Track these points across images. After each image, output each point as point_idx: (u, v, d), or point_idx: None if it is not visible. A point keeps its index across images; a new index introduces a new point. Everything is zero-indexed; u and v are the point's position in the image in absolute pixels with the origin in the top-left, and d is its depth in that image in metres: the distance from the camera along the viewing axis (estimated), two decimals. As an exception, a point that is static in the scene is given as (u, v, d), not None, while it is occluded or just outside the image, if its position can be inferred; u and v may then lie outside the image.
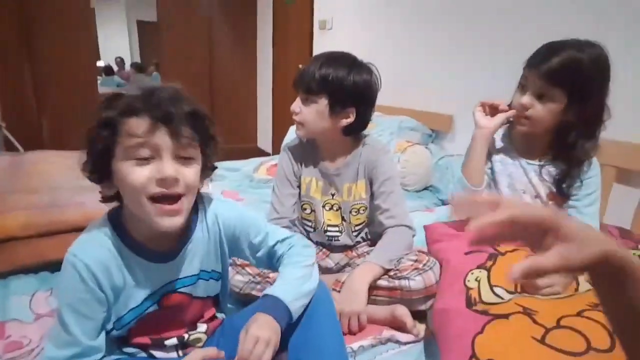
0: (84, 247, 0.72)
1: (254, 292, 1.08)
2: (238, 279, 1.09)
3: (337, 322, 0.86)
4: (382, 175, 1.22)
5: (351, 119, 1.16)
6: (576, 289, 0.94)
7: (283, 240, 0.90)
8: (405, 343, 1.01)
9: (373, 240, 1.31)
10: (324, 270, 1.28)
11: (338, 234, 1.29)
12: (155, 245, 0.76)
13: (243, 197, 2.03)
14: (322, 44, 3.52)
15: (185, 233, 0.79)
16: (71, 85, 3.92)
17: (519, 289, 0.95)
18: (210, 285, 0.86)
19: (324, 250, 1.33)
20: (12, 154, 2.32)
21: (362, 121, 1.19)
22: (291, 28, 4.04)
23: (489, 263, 1.04)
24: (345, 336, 0.93)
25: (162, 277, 0.78)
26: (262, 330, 0.71)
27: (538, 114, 1.09)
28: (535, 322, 0.79)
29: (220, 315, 0.92)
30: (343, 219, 1.28)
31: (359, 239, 1.32)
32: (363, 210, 1.27)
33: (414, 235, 1.22)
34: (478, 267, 1.03)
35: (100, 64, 6.20)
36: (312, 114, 1.16)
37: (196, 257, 0.82)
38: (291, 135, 2.81)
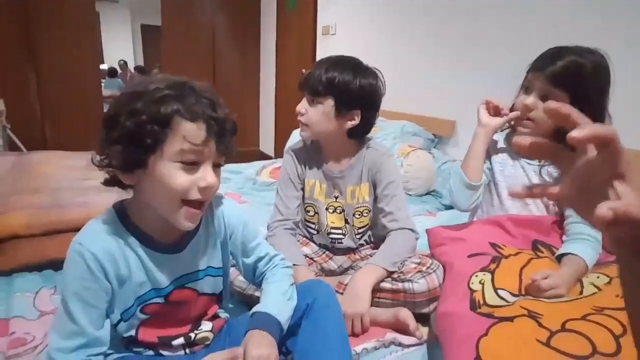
0: (90, 236, 0.72)
1: (256, 294, 1.08)
2: (241, 280, 1.09)
3: (343, 325, 0.86)
4: (386, 179, 1.22)
5: (356, 122, 1.17)
6: (580, 292, 0.94)
7: (271, 257, 0.93)
8: (408, 346, 1.01)
9: (376, 243, 1.31)
10: (327, 273, 1.29)
11: (341, 236, 1.29)
12: (162, 237, 0.77)
13: (246, 199, 2.04)
14: (325, 50, 3.54)
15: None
16: (74, 87, 3.94)
17: (523, 292, 0.95)
18: (216, 281, 0.87)
19: (327, 252, 1.33)
20: (15, 154, 2.33)
21: (367, 124, 1.20)
22: (294, 33, 4.07)
23: (493, 266, 1.04)
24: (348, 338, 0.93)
25: (170, 270, 0.79)
26: (260, 349, 0.73)
27: (541, 116, 1.10)
28: (540, 325, 0.79)
29: (223, 315, 0.93)
30: (346, 221, 1.28)
31: (362, 241, 1.32)
32: (366, 213, 1.27)
33: (417, 239, 1.22)
34: (482, 270, 1.03)
35: (104, 67, 6.23)
36: (317, 115, 1.17)
37: (202, 252, 0.83)
38: (294, 139, 2.82)
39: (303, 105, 1.19)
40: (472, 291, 0.96)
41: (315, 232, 1.32)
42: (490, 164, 1.26)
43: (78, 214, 1.34)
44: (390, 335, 1.02)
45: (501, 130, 1.26)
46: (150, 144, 0.67)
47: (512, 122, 1.19)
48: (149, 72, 6.83)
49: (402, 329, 1.04)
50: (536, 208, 1.21)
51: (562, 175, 0.44)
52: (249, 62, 4.89)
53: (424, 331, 1.05)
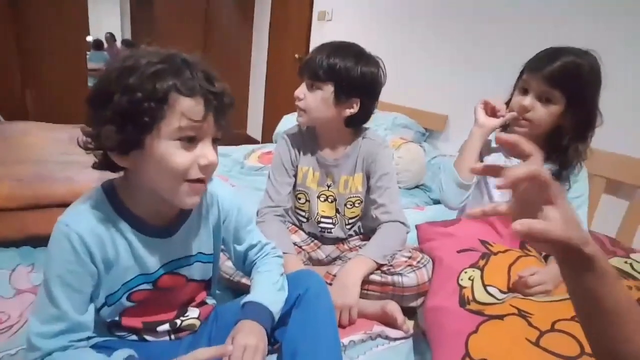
0: (77, 217, 0.68)
1: (243, 280, 1.06)
2: (229, 266, 1.07)
3: (334, 316, 0.85)
4: (381, 170, 1.21)
5: (355, 110, 1.15)
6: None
7: (262, 245, 0.91)
8: (395, 339, 1.00)
9: (365, 235, 1.31)
10: (314, 262, 1.28)
11: (331, 226, 1.28)
12: (153, 220, 0.74)
13: (234, 183, 2.01)
14: (320, 35, 3.48)
15: (183, 211, 0.78)
16: (59, 58, 3.80)
17: (511, 286, 0.95)
18: (205, 268, 0.85)
19: (315, 241, 1.31)
20: (-6, 123, 2.24)
21: (365, 113, 1.18)
22: (289, 17, 3.99)
23: (482, 262, 1.04)
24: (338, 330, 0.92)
25: (159, 255, 0.76)
26: (248, 338, 0.71)
27: (539, 116, 1.12)
28: (530, 324, 0.79)
29: (211, 301, 0.91)
30: (337, 211, 1.27)
31: (351, 232, 1.31)
32: (358, 203, 1.26)
33: (407, 232, 1.21)
34: (471, 267, 1.03)
35: (90, 39, 6.02)
36: (316, 100, 1.14)
37: (193, 236, 0.80)
38: (284, 124, 2.79)
39: (302, 90, 1.16)
40: (462, 287, 0.96)
41: (304, 220, 1.30)
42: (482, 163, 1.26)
43: (62, 189, 1.29)
44: (378, 328, 1.01)
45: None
46: (147, 122, 0.62)
47: (508, 123, 1.19)
48: (138, 47, 6.63)
49: (389, 322, 1.04)
50: None
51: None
52: (241, 44, 4.79)
53: (410, 325, 1.05)
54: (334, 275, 1.10)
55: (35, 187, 1.30)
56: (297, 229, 1.32)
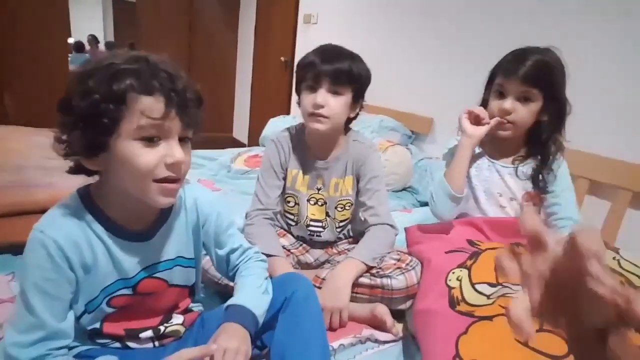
0: (52, 223, 0.66)
1: (231, 284, 1.05)
2: None
3: (322, 319, 0.85)
4: (370, 173, 1.21)
5: (357, 111, 1.18)
6: None
7: (244, 250, 0.90)
8: (384, 342, 1.00)
9: (355, 238, 1.30)
10: (303, 266, 1.27)
11: (321, 229, 1.28)
12: (130, 223, 0.73)
13: (219, 187, 1.99)
14: (305, 39, 3.49)
15: (161, 214, 0.76)
16: (39, 60, 3.71)
17: (500, 280, 0.96)
18: (187, 273, 0.83)
19: (304, 245, 1.31)
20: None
21: (357, 114, 1.20)
22: (275, 20, 3.99)
23: (470, 262, 1.04)
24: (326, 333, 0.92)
25: (138, 259, 0.74)
26: (230, 341, 0.71)
27: (521, 116, 1.14)
28: (518, 324, 0.80)
29: (197, 308, 0.89)
30: (327, 214, 1.26)
31: (341, 235, 1.30)
32: (349, 206, 1.26)
33: (396, 235, 1.21)
34: (459, 267, 1.03)
35: (71, 41, 5.92)
36: (340, 106, 1.13)
37: (173, 240, 0.79)
38: (270, 128, 2.78)
39: (324, 98, 1.12)
40: (450, 288, 0.96)
41: (293, 223, 1.29)
42: (475, 180, 1.27)
43: (43, 195, 1.26)
44: (367, 331, 1.01)
45: None
46: (108, 124, 0.62)
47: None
48: (120, 49, 6.54)
49: (379, 325, 1.04)
50: (512, 211, 1.23)
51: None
52: (227, 47, 4.76)
53: (399, 328, 1.05)
54: (323, 279, 1.10)
55: (16, 193, 1.27)
56: (285, 232, 1.31)
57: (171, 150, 0.66)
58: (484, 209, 1.26)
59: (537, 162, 1.20)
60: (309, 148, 1.24)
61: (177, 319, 0.83)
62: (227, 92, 4.90)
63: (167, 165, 0.66)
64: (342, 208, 1.25)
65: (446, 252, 1.11)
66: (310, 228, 1.27)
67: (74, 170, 0.70)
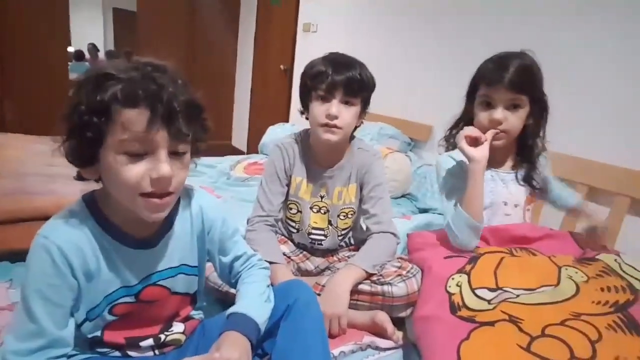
0: (56, 228, 0.66)
1: (233, 291, 1.04)
2: (217, 276, 1.05)
3: (324, 327, 0.84)
4: (374, 180, 1.21)
5: (362, 120, 1.19)
6: (557, 283, 0.94)
7: (248, 257, 0.89)
8: (385, 349, 1.00)
9: (356, 245, 1.30)
10: (303, 273, 1.26)
11: (322, 238, 1.26)
12: (135, 231, 0.72)
13: (219, 194, 1.99)
14: (305, 47, 3.51)
15: (166, 221, 0.76)
16: (39, 68, 3.73)
17: (499, 285, 0.96)
18: (190, 280, 0.83)
19: (304, 252, 1.30)
20: (-30, 135, 2.17)
21: (362, 122, 1.20)
22: (274, 28, 4.02)
23: (469, 267, 1.04)
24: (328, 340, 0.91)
25: (141, 266, 0.74)
26: (231, 351, 0.69)
27: (512, 124, 1.13)
28: (520, 330, 0.80)
29: (197, 316, 0.89)
30: (330, 222, 1.25)
31: (342, 243, 1.30)
32: (351, 214, 1.25)
33: (398, 243, 1.21)
34: (458, 272, 1.03)
35: (71, 49, 5.95)
36: (351, 116, 1.14)
37: (177, 248, 0.78)
38: (270, 135, 2.79)
39: (337, 108, 1.11)
40: (450, 294, 0.96)
41: (295, 230, 1.29)
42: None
43: (45, 202, 1.26)
44: (368, 338, 1.01)
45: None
46: (92, 137, 0.61)
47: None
48: (119, 58, 6.56)
49: (379, 333, 1.03)
50: (517, 218, 1.22)
51: None
52: (226, 55, 4.78)
53: (400, 335, 1.05)
54: (323, 286, 1.09)
55: (16, 200, 1.27)
56: (286, 239, 1.31)
57: (157, 164, 0.63)
58: (489, 219, 1.22)
59: (527, 165, 1.20)
60: (314, 156, 1.24)
61: (178, 327, 0.82)
62: (227, 100, 4.91)
63: (152, 180, 0.63)
64: (344, 216, 1.25)
65: (445, 258, 1.11)
66: (312, 236, 1.26)
67: (78, 177, 0.70)
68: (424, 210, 1.98)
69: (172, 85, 0.64)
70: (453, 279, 1.01)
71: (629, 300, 0.84)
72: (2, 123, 3.61)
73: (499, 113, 1.12)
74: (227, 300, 1.05)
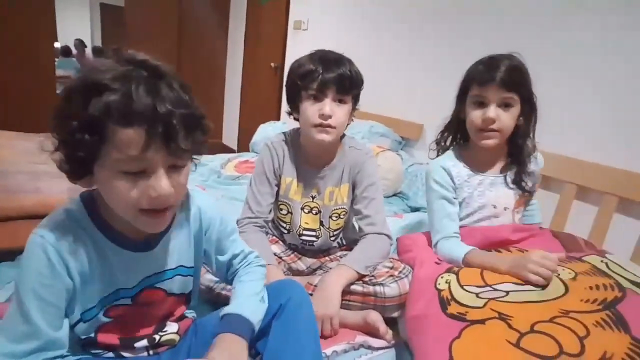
0: (53, 228, 0.64)
1: (224, 292, 1.04)
2: (208, 278, 1.04)
3: (316, 326, 0.84)
4: (367, 180, 1.20)
5: (352, 117, 1.17)
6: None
7: (245, 254, 0.89)
8: (378, 349, 1.00)
9: (348, 245, 1.30)
10: (294, 272, 1.26)
11: (314, 239, 1.25)
12: (133, 234, 0.71)
13: (210, 192, 1.97)
14: (296, 45, 3.49)
15: None
16: (25, 64, 3.66)
17: (487, 282, 0.97)
18: (186, 281, 0.82)
19: (296, 252, 1.29)
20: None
21: (352, 120, 1.19)
22: (265, 26, 3.99)
23: (457, 268, 1.05)
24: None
25: (139, 269, 0.73)
26: (226, 354, 0.69)
27: (504, 123, 1.13)
28: (510, 327, 0.81)
29: (190, 315, 0.88)
30: (321, 223, 1.24)
31: (334, 244, 1.29)
32: (343, 215, 1.24)
33: (391, 245, 1.20)
34: (447, 272, 1.04)
35: (57, 45, 5.86)
36: (344, 115, 1.13)
37: (174, 250, 0.78)
38: (260, 133, 2.77)
39: (330, 108, 1.10)
40: (439, 291, 0.97)
41: (286, 231, 1.28)
42: (457, 193, 1.21)
43: (29, 200, 1.23)
44: (360, 338, 1.01)
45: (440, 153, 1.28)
46: (86, 155, 0.58)
47: (478, 134, 1.16)
48: (107, 54, 6.48)
49: (372, 332, 1.03)
50: (507, 220, 1.22)
51: None
52: (216, 52, 4.75)
53: (392, 334, 1.05)
54: (315, 286, 1.09)
55: (1, 199, 1.24)
56: (277, 239, 1.30)
57: (155, 182, 0.61)
58: (477, 223, 1.22)
59: (517, 167, 1.20)
60: (304, 156, 1.22)
61: (172, 327, 0.82)
62: (217, 98, 4.88)
63: (151, 198, 0.61)
64: (336, 217, 1.24)
65: (437, 262, 1.11)
66: (303, 237, 1.25)
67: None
68: (415, 209, 1.98)
69: (170, 94, 0.60)
70: (442, 277, 1.02)
71: (617, 298, 0.85)
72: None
73: (491, 111, 1.12)
74: (218, 301, 1.04)
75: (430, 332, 0.87)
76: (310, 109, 1.11)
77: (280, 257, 1.24)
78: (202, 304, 1.06)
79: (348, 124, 1.19)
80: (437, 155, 1.28)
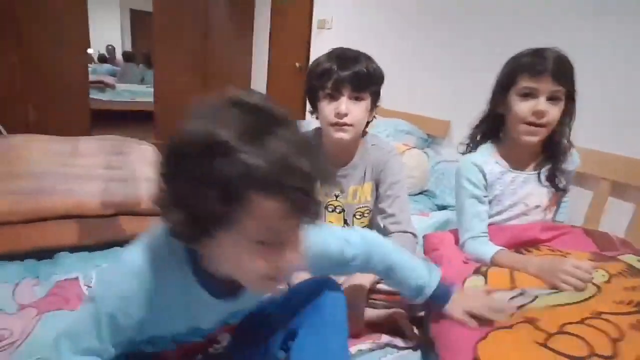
0: (151, 262, 0.60)
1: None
2: None
3: (346, 327, 0.82)
4: (391, 178, 1.19)
5: (373, 114, 1.16)
6: None
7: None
8: (404, 348, 0.99)
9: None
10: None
11: None
12: (227, 284, 0.66)
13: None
14: (320, 44, 3.50)
15: None
16: (60, 70, 3.82)
17: (517, 285, 0.94)
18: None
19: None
20: (-4, 138, 2.24)
21: (374, 117, 1.18)
22: (289, 26, 4.01)
23: (484, 268, 1.03)
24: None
25: (220, 314, 0.74)
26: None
27: (553, 117, 1.08)
28: (537, 328, 0.79)
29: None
30: (345, 222, 1.24)
31: (358, 243, 1.29)
32: (367, 213, 1.24)
33: (417, 243, 1.19)
34: (475, 273, 1.02)
35: (90, 51, 6.09)
36: (362, 112, 1.11)
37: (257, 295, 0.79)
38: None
39: (345, 105, 1.09)
40: None
41: (310, 231, 1.28)
42: (488, 191, 1.19)
43: (62, 201, 1.29)
44: (386, 337, 1.00)
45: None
46: (215, 223, 0.52)
47: (523, 129, 1.11)
48: (137, 58, 6.71)
49: (397, 331, 1.02)
50: (539, 218, 1.19)
51: None
52: (242, 53, 4.81)
53: (418, 334, 1.04)
54: (340, 284, 1.08)
55: (36, 200, 1.30)
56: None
57: (291, 255, 0.56)
58: (508, 222, 1.20)
59: (552, 164, 1.16)
60: (326, 155, 1.22)
61: (224, 338, 0.83)
62: (243, 99, 4.93)
63: (280, 270, 0.57)
64: (360, 215, 1.23)
65: (464, 262, 1.10)
66: (327, 237, 1.26)
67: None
68: (442, 207, 1.95)
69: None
70: (471, 280, 1.00)
71: (655, 299, 0.82)
72: (26, 124, 3.71)
73: (542, 104, 1.07)
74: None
75: (455, 332, 0.85)
76: (327, 108, 1.11)
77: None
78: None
79: (369, 122, 1.18)
80: (468, 151, 1.25)
